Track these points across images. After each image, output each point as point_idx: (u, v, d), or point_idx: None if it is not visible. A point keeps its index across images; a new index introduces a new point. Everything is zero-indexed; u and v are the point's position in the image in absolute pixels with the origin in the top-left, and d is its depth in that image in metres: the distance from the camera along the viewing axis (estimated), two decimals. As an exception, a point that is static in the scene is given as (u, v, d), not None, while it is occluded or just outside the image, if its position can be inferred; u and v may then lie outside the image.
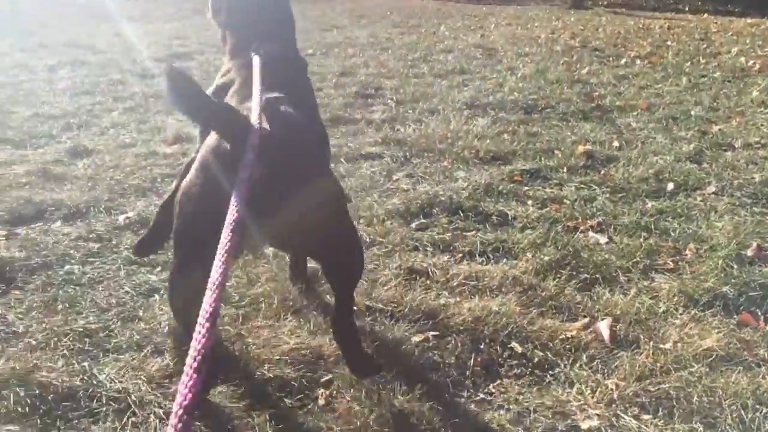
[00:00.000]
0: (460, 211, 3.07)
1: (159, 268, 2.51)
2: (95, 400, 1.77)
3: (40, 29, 8.95)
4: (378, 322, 2.18)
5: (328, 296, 2.28)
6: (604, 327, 2.14)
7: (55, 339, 2.04)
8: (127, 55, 7.23)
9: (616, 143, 4.14)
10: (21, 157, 3.76)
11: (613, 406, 1.78)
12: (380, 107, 5.12)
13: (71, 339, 2.04)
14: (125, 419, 1.70)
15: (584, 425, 1.72)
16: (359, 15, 13.00)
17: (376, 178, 3.57)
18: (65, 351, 1.98)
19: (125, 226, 2.90)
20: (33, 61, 6.68)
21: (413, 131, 4.43)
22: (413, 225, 2.95)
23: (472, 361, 1.98)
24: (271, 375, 1.89)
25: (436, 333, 2.11)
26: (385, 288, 2.38)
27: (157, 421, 1.69)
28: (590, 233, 2.86)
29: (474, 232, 2.87)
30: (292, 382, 1.87)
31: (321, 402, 1.79)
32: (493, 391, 1.86)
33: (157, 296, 2.34)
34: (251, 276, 2.43)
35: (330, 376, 1.90)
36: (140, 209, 3.06)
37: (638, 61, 7.17)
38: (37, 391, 1.77)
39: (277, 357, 1.96)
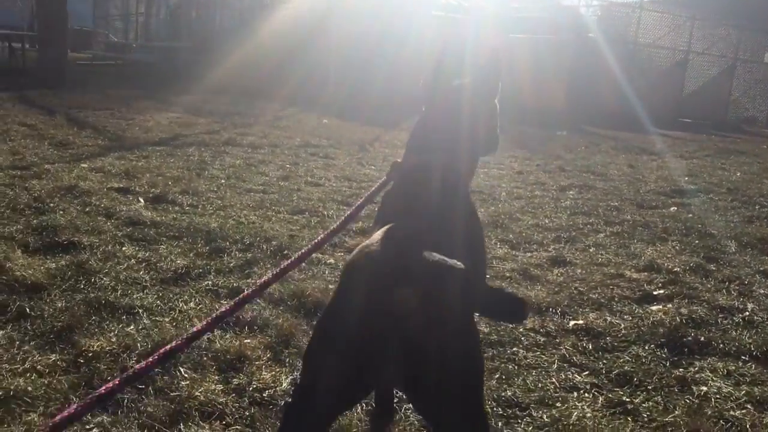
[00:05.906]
0: None
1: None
2: None
3: (565, 154, 10.27)
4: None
5: None
6: None
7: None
8: (632, 185, 7.74)
9: None
10: (512, 257, 4.54)
11: None
12: None
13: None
14: None
15: None
16: None
17: None
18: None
19: (572, 330, 3.31)
20: (550, 180, 7.77)
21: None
22: None
23: None
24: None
25: None
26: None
27: None
28: None
29: None
30: None
31: None
32: None
33: (575, 393, 2.66)
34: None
35: None
36: (590, 320, 3.43)
37: None
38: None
39: None
